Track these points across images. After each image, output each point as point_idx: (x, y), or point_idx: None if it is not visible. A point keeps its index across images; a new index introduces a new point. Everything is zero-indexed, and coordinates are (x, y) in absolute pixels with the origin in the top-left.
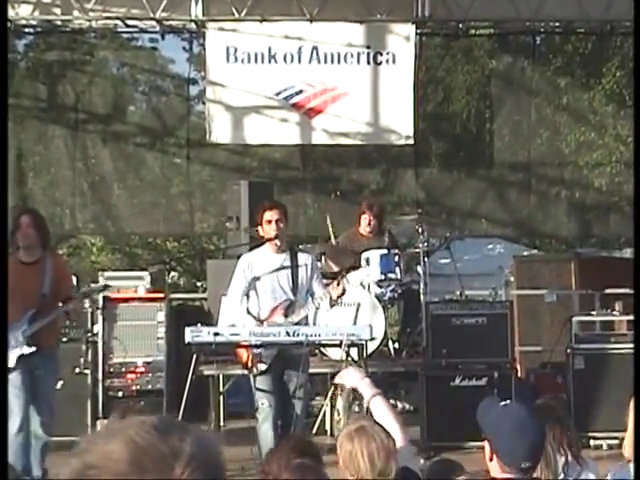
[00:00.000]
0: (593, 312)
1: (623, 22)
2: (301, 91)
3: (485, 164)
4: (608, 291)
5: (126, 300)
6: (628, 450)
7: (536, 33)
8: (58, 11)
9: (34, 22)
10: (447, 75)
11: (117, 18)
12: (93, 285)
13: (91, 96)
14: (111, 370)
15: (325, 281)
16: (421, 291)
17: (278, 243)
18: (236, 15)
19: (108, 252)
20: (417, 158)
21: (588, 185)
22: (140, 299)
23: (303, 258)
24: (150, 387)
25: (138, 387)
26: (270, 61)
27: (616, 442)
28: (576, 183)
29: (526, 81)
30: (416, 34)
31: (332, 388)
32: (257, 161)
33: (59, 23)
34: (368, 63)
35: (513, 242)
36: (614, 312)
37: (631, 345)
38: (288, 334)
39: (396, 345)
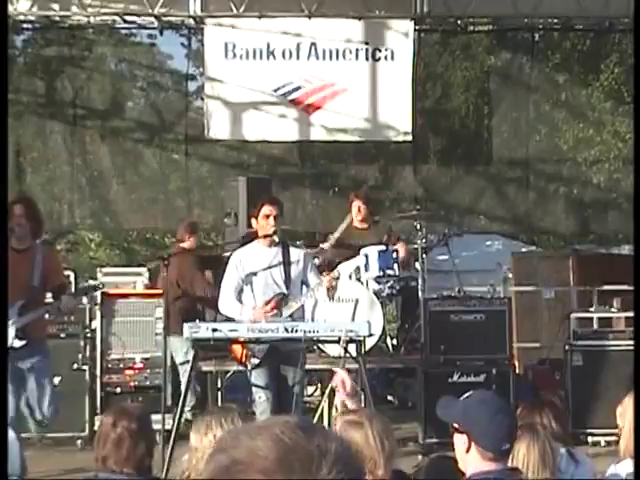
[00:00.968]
0: (591, 309)
1: (621, 19)
2: (299, 87)
3: (483, 160)
4: (606, 288)
5: (124, 296)
6: (628, 448)
7: (534, 30)
8: (56, 7)
9: (32, 18)
10: (445, 71)
11: (115, 14)
12: (86, 283)
13: (89, 92)
14: (109, 366)
15: (322, 273)
16: (419, 287)
17: (275, 239)
18: (234, 11)
19: (106, 248)
20: (415, 154)
21: (586, 181)
22: (138, 295)
23: (295, 252)
24: (148, 383)
25: (136, 383)
26: (268, 57)
27: (614, 439)
28: (574, 179)
29: (524, 77)
30: (415, 30)
31: (330, 384)
32: (255, 157)
33: (57, 19)
34: (366, 59)
35: (511, 238)
36: (612, 309)
37: (629, 342)
38: (286, 330)
39: (394, 341)
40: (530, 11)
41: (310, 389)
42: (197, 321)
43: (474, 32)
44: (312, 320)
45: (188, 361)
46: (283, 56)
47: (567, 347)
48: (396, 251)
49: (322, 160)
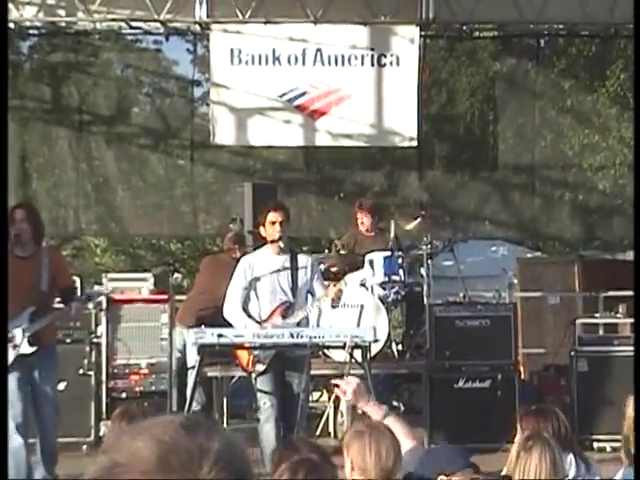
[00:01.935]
0: (597, 314)
1: (627, 25)
2: (305, 93)
3: (489, 166)
4: (611, 293)
5: (130, 301)
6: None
7: (540, 35)
8: (62, 13)
9: (38, 24)
10: (451, 77)
11: (121, 20)
12: (93, 289)
13: (95, 98)
14: (115, 371)
15: (326, 282)
16: (424, 293)
17: (282, 245)
18: (240, 17)
19: (112, 253)
20: (421, 160)
21: (592, 188)
22: (144, 300)
23: (303, 260)
24: (154, 388)
25: (142, 388)
26: (274, 63)
27: (619, 445)
28: (580, 185)
29: (530, 83)
30: (420, 36)
31: (335, 390)
32: (261, 163)
33: (63, 25)
34: (372, 65)
35: (517, 244)
36: (618, 314)
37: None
38: (292, 336)
39: (399, 347)
40: (535, 17)
41: (315, 395)
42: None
43: (479, 38)
44: (317, 326)
45: (194, 366)
46: (289, 62)
47: (572, 353)
48: (401, 257)
49: (327, 166)
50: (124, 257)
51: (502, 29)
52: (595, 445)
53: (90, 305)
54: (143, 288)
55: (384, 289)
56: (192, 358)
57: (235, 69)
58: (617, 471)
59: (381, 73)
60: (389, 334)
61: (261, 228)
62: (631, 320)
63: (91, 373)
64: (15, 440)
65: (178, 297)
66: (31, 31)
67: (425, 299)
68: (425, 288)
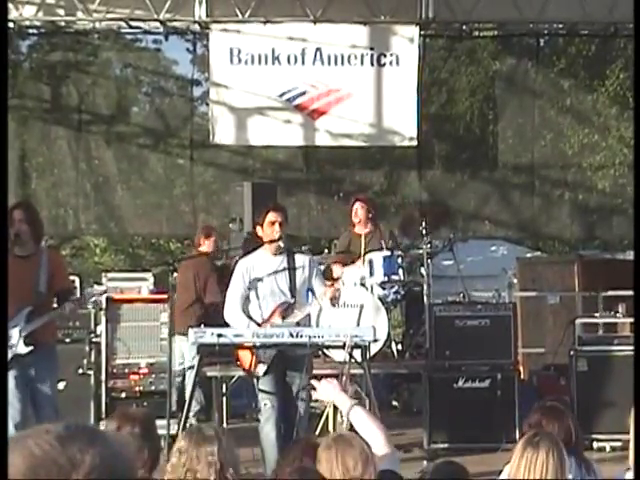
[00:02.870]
0: (596, 314)
1: (627, 24)
2: (304, 92)
3: (489, 166)
4: (611, 293)
5: (129, 301)
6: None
7: (540, 35)
8: (62, 12)
9: (38, 23)
10: (451, 77)
11: (121, 19)
12: (92, 289)
13: (95, 97)
14: (114, 371)
15: (327, 282)
16: (424, 293)
17: (281, 245)
18: (240, 16)
19: (111, 253)
20: (420, 160)
21: (591, 187)
22: (143, 300)
23: (300, 259)
24: (153, 388)
25: (141, 388)
26: (274, 62)
27: (619, 444)
28: (579, 185)
29: (529, 83)
30: (420, 36)
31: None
32: (260, 162)
33: (63, 24)
34: (372, 64)
35: (516, 244)
36: (617, 314)
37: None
38: (291, 335)
39: (399, 347)
40: (535, 16)
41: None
42: (202, 326)
43: (479, 37)
44: (317, 325)
45: (193, 366)
46: (288, 61)
47: (572, 352)
48: (401, 256)
49: (327, 165)
50: (123, 257)
51: (502, 29)
52: (595, 445)
53: (89, 306)
54: (143, 287)
55: (384, 289)
56: (189, 360)
57: (234, 68)
58: (620, 471)
59: (381, 73)
60: (389, 334)
61: (258, 228)
62: (631, 320)
63: (90, 373)
64: (7, 435)
65: None
66: (30, 30)
67: (425, 299)
68: (425, 288)
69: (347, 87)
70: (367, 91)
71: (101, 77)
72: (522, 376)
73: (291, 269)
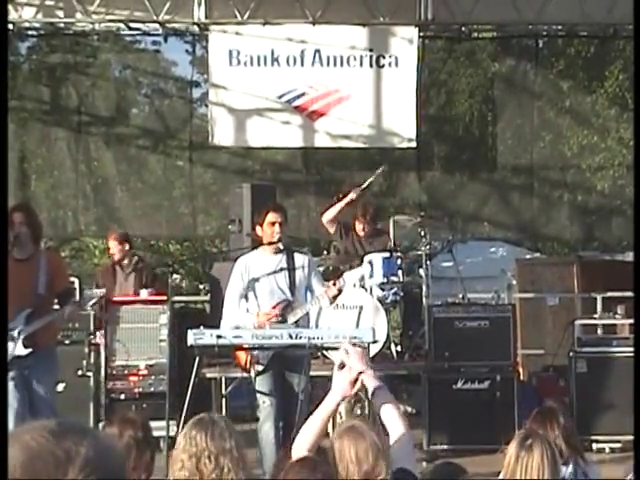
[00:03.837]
0: (595, 315)
1: (626, 25)
2: (304, 94)
3: (488, 167)
4: (610, 294)
5: (129, 303)
6: None
7: (539, 36)
8: (61, 14)
9: (37, 24)
10: (450, 78)
11: (120, 21)
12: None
13: (94, 99)
14: (114, 373)
15: (326, 283)
16: (423, 294)
17: (280, 246)
18: (239, 18)
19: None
20: (420, 161)
21: (591, 188)
22: (142, 302)
23: (300, 259)
24: (153, 390)
25: (141, 390)
26: (273, 64)
27: (619, 446)
28: (579, 186)
29: (529, 84)
30: (419, 37)
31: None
32: (260, 164)
33: (62, 26)
34: (371, 66)
35: (515, 245)
36: (617, 315)
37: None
38: (290, 336)
39: (398, 348)
40: (534, 18)
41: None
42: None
43: (478, 39)
44: (316, 326)
45: None
46: (287, 63)
47: (571, 354)
48: (400, 257)
49: (326, 167)
50: None
51: (501, 30)
52: (594, 446)
53: (88, 308)
54: (142, 289)
55: (383, 290)
56: None
57: (234, 70)
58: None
59: (380, 74)
60: (388, 335)
61: (258, 228)
62: (630, 321)
63: (90, 374)
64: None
65: (177, 298)
66: (30, 32)
67: (424, 300)
68: (424, 289)
69: (346, 88)
70: (366, 92)
71: (100, 79)
72: (521, 377)
73: (291, 268)
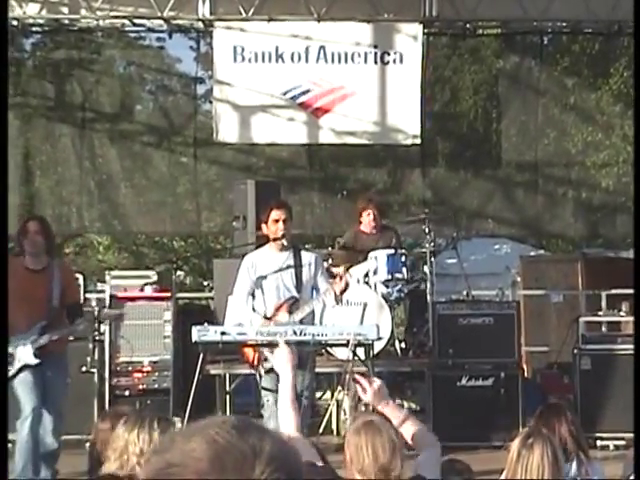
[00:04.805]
0: (600, 312)
1: (630, 22)
2: (308, 90)
3: (492, 164)
4: (615, 291)
5: (133, 299)
6: None
7: (543, 33)
8: (66, 10)
9: (41, 21)
10: (454, 75)
11: (124, 17)
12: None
13: (98, 95)
14: (118, 369)
15: (331, 280)
16: (428, 291)
17: (285, 243)
18: (243, 14)
19: (115, 251)
20: (424, 158)
21: (595, 185)
22: (147, 298)
23: (307, 256)
24: (157, 386)
25: (145, 386)
26: (277, 60)
27: (623, 443)
28: (583, 183)
29: (533, 81)
30: (423, 34)
31: (339, 388)
32: (264, 160)
33: (66, 22)
34: (375, 63)
35: (520, 242)
36: (621, 312)
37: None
38: (295, 333)
39: (402, 345)
40: (539, 14)
41: (318, 392)
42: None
43: (483, 35)
44: (321, 323)
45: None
46: (292, 59)
47: (576, 351)
48: (405, 254)
49: (331, 163)
50: (127, 255)
51: (505, 27)
52: (598, 443)
53: (93, 303)
54: (146, 286)
55: (387, 287)
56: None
57: (238, 66)
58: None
59: (384, 71)
60: (392, 332)
61: (263, 226)
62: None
63: (94, 371)
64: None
65: (181, 295)
66: (34, 28)
67: (428, 297)
68: (428, 286)
69: (351, 85)
70: (371, 89)
71: (105, 75)
72: (525, 374)
73: (297, 266)
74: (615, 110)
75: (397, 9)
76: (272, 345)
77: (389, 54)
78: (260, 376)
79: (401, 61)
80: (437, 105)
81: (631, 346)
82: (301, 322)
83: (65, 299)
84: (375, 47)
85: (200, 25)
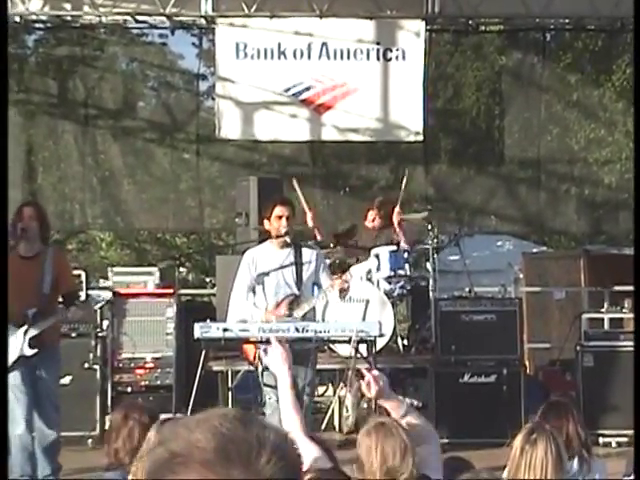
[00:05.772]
0: (602, 309)
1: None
2: (311, 87)
3: (495, 161)
4: (617, 288)
5: (135, 295)
6: None
7: (546, 30)
8: (68, 6)
9: (44, 17)
10: (457, 71)
11: (127, 14)
12: (97, 293)
13: (101, 91)
14: (120, 365)
15: (334, 277)
16: (430, 287)
17: (287, 240)
18: (246, 11)
19: (117, 247)
20: (427, 154)
21: (598, 182)
22: (149, 295)
23: (308, 253)
24: (159, 383)
25: (147, 382)
26: (280, 57)
27: (625, 440)
28: (586, 180)
29: (536, 78)
30: (426, 30)
31: (341, 384)
32: (266, 157)
33: (69, 18)
34: (378, 59)
35: (522, 239)
36: (623, 309)
37: None
38: (297, 330)
39: (405, 341)
40: (541, 11)
41: (321, 389)
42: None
43: (485, 32)
44: (323, 320)
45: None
46: (294, 56)
47: (578, 348)
48: (407, 251)
49: (333, 160)
50: (129, 251)
51: (508, 23)
52: (601, 440)
53: (96, 306)
54: (148, 282)
55: (390, 283)
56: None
57: (241, 63)
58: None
59: (387, 67)
60: (394, 328)
61: (265, 222)
62: None
63: (96, 367)
64: (7, 435)
65: (183, 291)
66: (37, 25)
67: (431, 294)
68: (431, 282)
69: (353, 82)
70: (373, 86)
71: (107, 71)
72: (528, 371)
73: (298, 263)
74: (618, 107)
75: (399, 5)
76: (269, 342)
77: (391, 51)
78: (262, 372)
79: (403, 58)
80: (440, 102)
81: (633, 343)
82: (303, 318)
83: (59, 287)
84: (377, 44)
85: (202, 22)
